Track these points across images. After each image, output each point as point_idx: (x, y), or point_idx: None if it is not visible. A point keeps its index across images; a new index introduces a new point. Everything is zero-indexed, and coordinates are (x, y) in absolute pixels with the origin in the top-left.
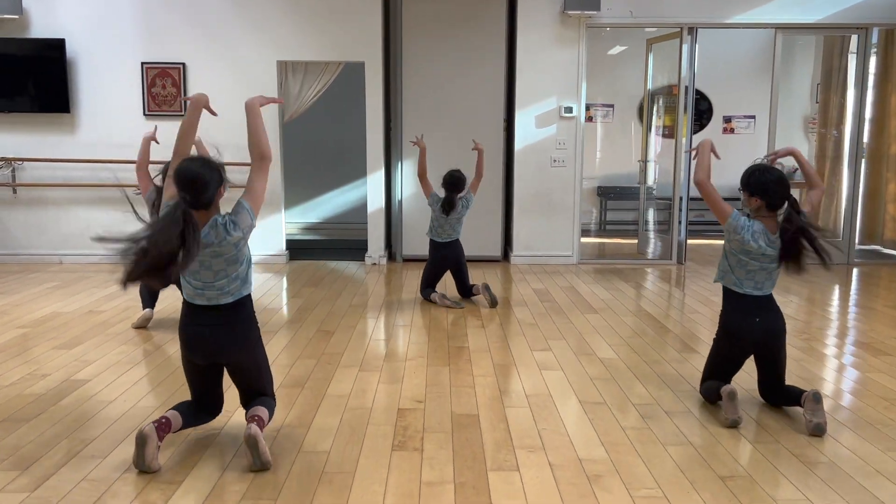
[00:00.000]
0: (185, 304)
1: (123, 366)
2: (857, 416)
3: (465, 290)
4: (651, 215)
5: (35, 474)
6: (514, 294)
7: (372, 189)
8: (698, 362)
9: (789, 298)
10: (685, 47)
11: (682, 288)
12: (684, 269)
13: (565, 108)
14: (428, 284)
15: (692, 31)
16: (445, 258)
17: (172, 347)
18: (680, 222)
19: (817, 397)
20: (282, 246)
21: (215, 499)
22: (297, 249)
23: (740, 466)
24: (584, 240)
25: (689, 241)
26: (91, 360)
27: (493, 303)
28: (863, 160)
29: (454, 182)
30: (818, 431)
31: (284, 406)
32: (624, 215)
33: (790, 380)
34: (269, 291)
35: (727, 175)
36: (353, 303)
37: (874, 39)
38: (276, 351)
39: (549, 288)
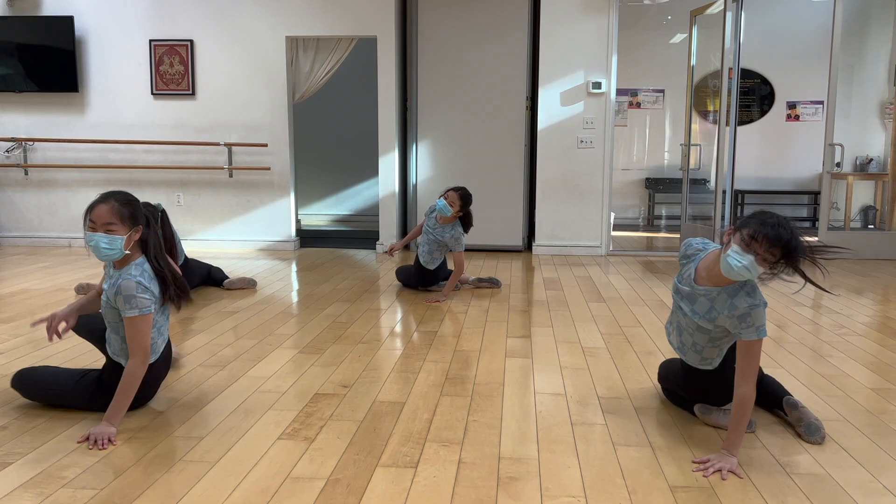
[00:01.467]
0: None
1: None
2: (872, 421)
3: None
4: (708, 209)
5: None
6: (518, 283)
7: (384, 172)
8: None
9: (837, 292)
10: (729, 16)
11: None
12: None
13: (593, 84)
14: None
15: None
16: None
17: None
18: (724, 211)
19: (792, 403)
20: (291, 232)
21: (42, 482)
22: (309, 237)
23: (700, 476)
24: (628, 234)
25: None
26: (18, 334)
27: (494, 283)
28: None
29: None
30: (815, 432)
31: (189, 386)
32: (675, 209)
33: (817, 380)
34: (256, 275)
35: (793, 168)
36: (337, 287)
37: None
38: (221, 331)
39: (562, 276)
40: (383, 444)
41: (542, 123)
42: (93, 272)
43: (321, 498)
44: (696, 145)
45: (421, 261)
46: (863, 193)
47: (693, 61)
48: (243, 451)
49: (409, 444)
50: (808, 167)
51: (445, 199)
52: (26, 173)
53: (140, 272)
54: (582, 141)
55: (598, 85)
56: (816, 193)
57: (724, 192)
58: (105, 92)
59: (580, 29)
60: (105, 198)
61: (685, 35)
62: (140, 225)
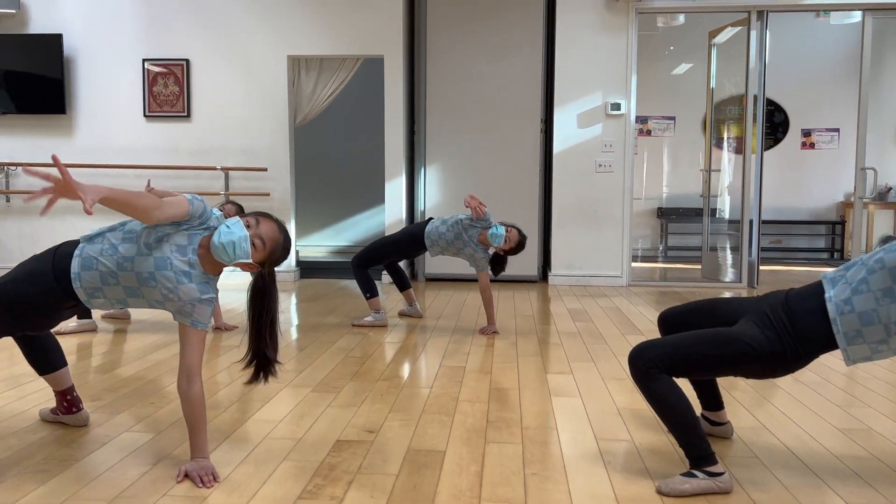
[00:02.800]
0: None
1: (28, 377)
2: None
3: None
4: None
5: None
6: (543, 313)
7: (390, 197)
8: (778, 400)
9: None
10: (753, 36)
11: None
12: (756, 294)
13: (612, 105)
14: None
15: (762, 15)
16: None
17: (105, 359)
18: (751, 242)
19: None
20: (290, 262)
21: None
22: (309, 268)
23: None
24: (643, 265)
25: (763, 268)
26: (3, 367)
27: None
28: None
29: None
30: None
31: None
32: (689, 240)
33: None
34: None
35: (809, 197)
36: (345, 318)
37: None
38: (221, 367)
39: (588, 307)
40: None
41: (557, 146)
42: None
43: None
44: (716, 170)
45: (426, 241)
46: (882, 223)
47: (713, 83)
48: None
49: (464, 498)
50: (824, 196)
51: (508, 232)
52: (8, 200)
53: None
54: (600, 165)
55: (617, 106)
56: (834, 223)
57: (750, 221)
58: (94, 114)
59: (598, 48)
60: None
61: (690, 65)
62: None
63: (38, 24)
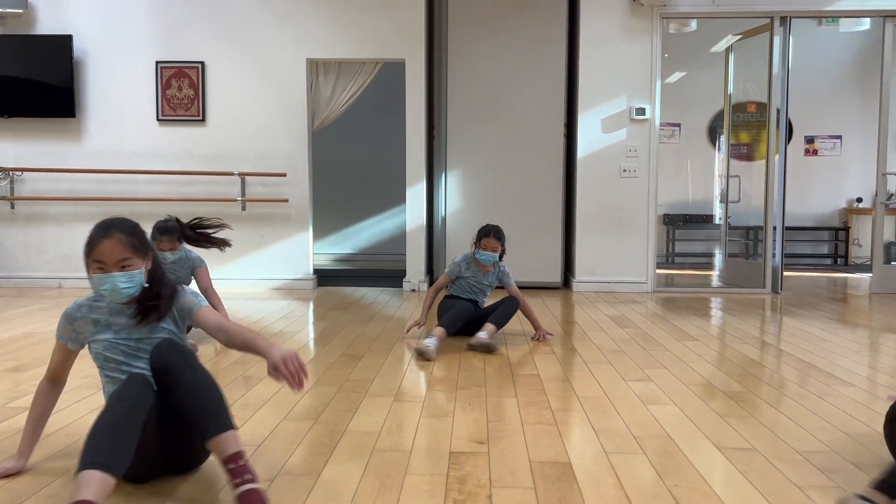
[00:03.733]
0: None
1: (83, 390)
2: None
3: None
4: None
5: None
6: (583, 320)
7: (412, 204)
8: (863, 398)
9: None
10: (777, 42)
11: (792, 315)
12: (782, 299)
13: (637, 110)
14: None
15: (785, 21)
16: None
17: None
18: (775, 249)
19: None
20: (309, 269)
21: None
22: (326, 277)
23: None
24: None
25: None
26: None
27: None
28: None
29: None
30: None
31: (288, 445)
32: (695, 246)
33: None
34: (288, 315)
35: (812, 204)
36: (387, 326)
37: None
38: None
39: (627, 314)
40: None
41: (581, 151)
42: None
43: None
44: (735, 177)
45: (455, 293)
46: (888, 228)
47: (731, 89)
48: None
49: None
50: (828, 203)
51: (485, 248)
52: (13, 207)
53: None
54: (625, 170)
55: (641, 111)
56: (838, 229)
57: (773, 228)
58: (105, 117)
59: (622, 52)
60: (107, 231)
61: (683, 73)
62: (151, 251)
63: (47, 24)
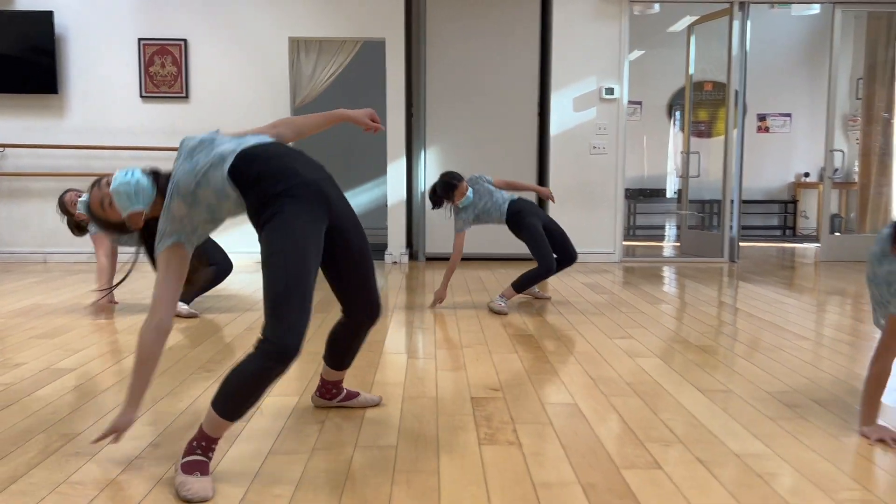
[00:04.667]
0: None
1: (115, 355)
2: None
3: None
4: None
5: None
6: (562, 288)
7: (392, 181)
8: (817, 349)
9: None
10: (736, 26)
11: (750, 281)
12: (739, 267)
13: (606, 90)
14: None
15: (744, 7)
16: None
17: (172, 339)
18: (732, 219)
19: None
20: None
21: (254, 497)
22: None
23: None
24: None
25: None
26: (76, 349)
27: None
28: None
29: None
30: None
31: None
32: (654, 219)
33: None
34: None
35: (763, 178)
36: (382, 294)
37: None
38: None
39: (600, 282)
40: (601, 447)
41: (554, 129)
42: (92, 286)
43: (595, 503)
44: (695, 153)
45: (513, 207)
46: (832, 201)
47: (692, 70)
48: (455, 459)
49: (628, 445)
50: (778, 177)
51: (461, 195)
52: None
53: None
54: (595, 147)
55: (610, 91)
56: (786, 202)
57: (731, 201)
58: (88, 94)
59: (593, 34)
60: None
61: (642, 52)
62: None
63: (28, 0)
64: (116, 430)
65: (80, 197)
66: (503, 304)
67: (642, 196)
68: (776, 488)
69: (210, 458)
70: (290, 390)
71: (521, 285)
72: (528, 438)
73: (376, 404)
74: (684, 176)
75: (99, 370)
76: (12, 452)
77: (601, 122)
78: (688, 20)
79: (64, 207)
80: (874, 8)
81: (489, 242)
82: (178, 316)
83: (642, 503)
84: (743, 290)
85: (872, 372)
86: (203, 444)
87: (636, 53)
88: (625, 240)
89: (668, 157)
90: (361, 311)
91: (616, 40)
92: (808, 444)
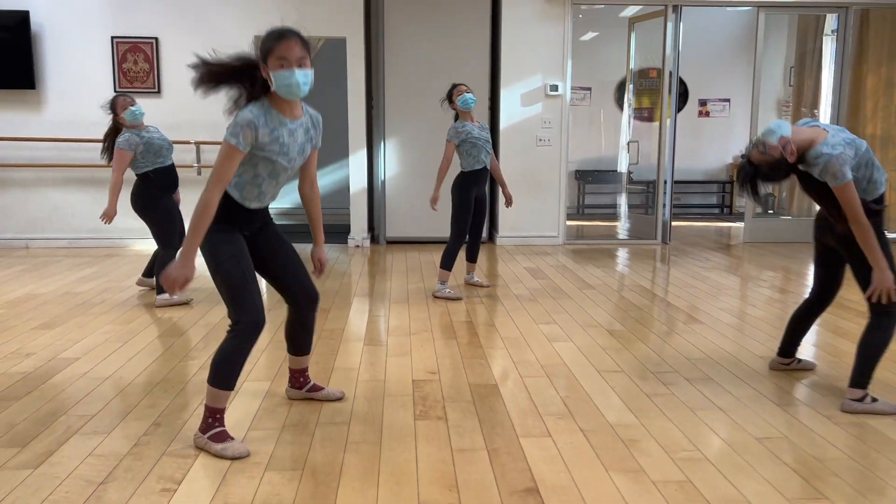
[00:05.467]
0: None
1: (112, 343)
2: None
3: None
4: (639, 197)
5: (35, 451)
6: (506, 273)
7: (354, 169)
8: (708, 333)
9: (765, 275)
10: (669, 26)
11: (675, 265)
12: (669, 249)
13: (551, 87)
14: (462, 233)
15: (677, 9)
16: (480, 195)
17: (162, 326)
18: (664, 203)
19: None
20: None
21: (238, 472)
22: None
23: (773, 427)
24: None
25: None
26: (76, 338)
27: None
28: None
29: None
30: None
31: None
32: (603, 199)
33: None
34: None
35: (704, 160)
36: (343, 282)
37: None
38: (274, 326)
39: (540, 266)
40: (507, 420)
41: (503, 123)
42: (78, 274)
43: (496, 464)
44: (634, 142)
45: (474, 167)
46: None
47: (633, 65)
48: (394, 431)
49: (529, 418)
50: (717, 159)
51: (460, 93)
52: None
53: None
54: (541, 139)
55: (555, 87)
56: (724, 183)
57: (664, 182)
58: (64, 89)
59: (538, 35)
60: (288, 32)
61: (595, 34)
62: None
63: (4, 0)
64: (187, 279)
65: (132, 105)
66: (448, 290)
67: (591, 178)
68: (632, 451)
69: (224, 426)
70: (262, 376)
71: (445, 263)
72: (453, 414)
73: (339, 398)
74: (630, 161)
75: (101, 358)
76: (42, 432)
77: (546, 117)
78: (631, 10)
79: (114, 108)
80: (795, 11)
81: (445, 227)
82: (170, 305)
83: (530, 463)
84: (663, 274)
85: (864, 222)
86: (215, 416)
87: (590, 35)
88: (575, 219)
89: (620, 136)
90: (301, 299)
91: (560, 40)
92: (669, 416)
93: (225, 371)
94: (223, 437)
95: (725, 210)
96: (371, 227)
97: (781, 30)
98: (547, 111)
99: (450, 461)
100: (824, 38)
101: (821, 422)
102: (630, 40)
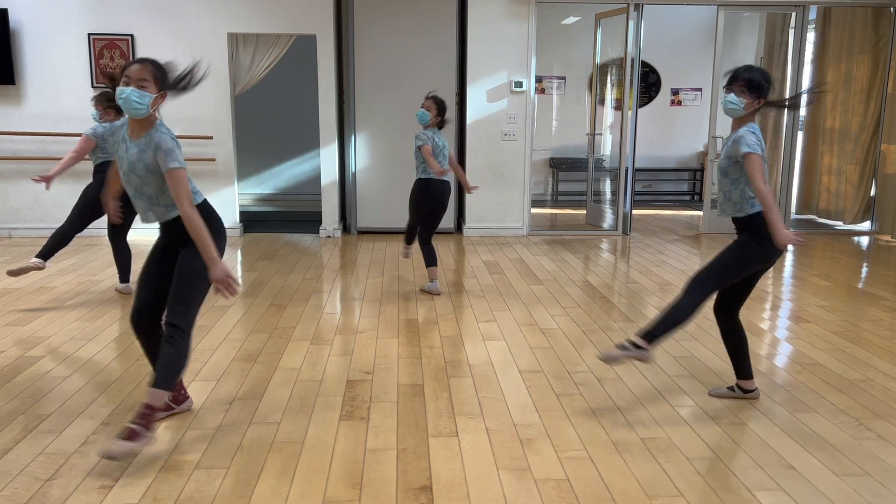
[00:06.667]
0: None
1: (77, 341)
2: (771, 380)
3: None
4: (607, 186)
5: None
6: (465, 266)
7: (325, 162)
8: (633, 330)
9: None
10: (631, 24)
11: (627, 259)
12: (629, 240)
13: (515, 83)
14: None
15: (638, 7)
16: (441, 197)
17: (124, 325)
18: (626, 193)
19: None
20: (235, 219)
21: (171, 469)
22: (251, 222)
23: (660, 428)
24: (535, 210)
25: (636, 212)
26: (44, 336)
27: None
28: (799, 133)
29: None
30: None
31: (237, 379)
32: (576, 186)
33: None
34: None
35: (676, 148)
36: (306, 276)
37: (812, 16)
38: (230, 325)
39: (499, 260)
40: (423, 420)
41: (470, 118)
42: (56, 267)
43: (401, 463)
44: (599, 134)
45: (427, 175)
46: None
47: (599, 59)
48: (318, 431)
49: (443, 418)
50: (688, 147)
51: (426, 106)
52: None
53: (167, 130)
54: (506, 134)
55: (519, 84)
56: (695, 170)
57: (626, 169)
58: (43, 84)
59: (504, 32)
60: (142, 59)
61: (577, 18)
62: (167, 91)
63: None
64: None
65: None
66: (435, 286)
67: (564, 166)
68: (525, 450)
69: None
70: (210, 376)
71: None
72: (376, 414)
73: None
74: (589, 156)
75: (64, 357)
76: (2, 431)
77: (511, 112)
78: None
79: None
80: (754, 10)
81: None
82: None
83: (432, 462)
84: (612, 268)
85: (766, 190)
86: (150, 414)
87: (572, 19)
88: (547, 206)
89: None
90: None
91: (524, 38)
92: (570, 416)
93: (170, 373)
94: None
95: (696, 197)
96: (343, 217)
97: (753, 22)
98: (512, 107)
99: (361, 460)
100: (790, 31)
101: (704, 423)
102: (596, 35)
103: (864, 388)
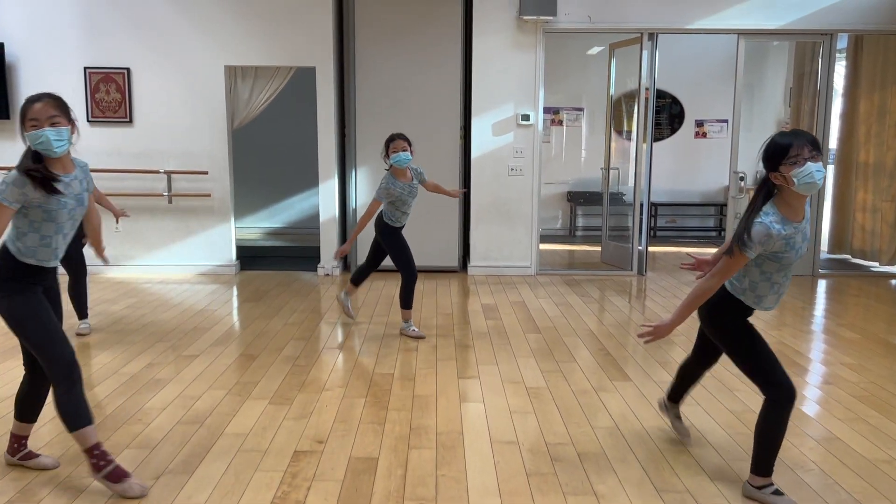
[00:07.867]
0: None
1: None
2: (777, 459)
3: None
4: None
5: None
6: (463, 309)
7: (324, 197)
8: (629, 392)
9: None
10: (645, 53)
11: (632, 302)
12: (644, 281)
13: (522, 116)
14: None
15: (653, 36)
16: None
17: None
18: (641, 230)
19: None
20: (231, 256)
21: None
22: (248, 258)
23: None
24: (550, 247)
25: (658, 249)
26: None
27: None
28: (829, 167)
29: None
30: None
31: (174, 447)
32: (595, 221)
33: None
34: (206, 308)
35: (701, 181)
36: (289, 321)
37: (842, 45)
38: (189, 379)
39: (499, 303)
40: (368, 502)
41: (475, 152)
42: None
43: None
44: (615, 169)
45: (398, 224)
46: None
47: (612, 91)
48: None
49: (392, 499)
50: (714, 181)
51: (395, 151)
52: None
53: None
54: (512, 169)
55: (526, 117)
56: (722, 205)
57: (641, 204)
58: None
59: (510, 64)
60: (42, 96)
61: (602, 47)
62: (74, 121)
63: None
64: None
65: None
66: (414, 329)
67: (583, 199)
68: None
69: (113, 461)
70: (146, 442)
71: (405, 301)
72: (315, 496)
73: (53, 467)
74: (604, 191)
75: None
76: None
77: (518, 146)
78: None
79: None
80: (777, 39)
81: (417, 256)
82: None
83: None
84: (620, 315)
85: (704, 286)
86: (97, 455)
87: (596, 49)
88: (565, 242)
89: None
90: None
91: (532, 69)
92: (536, 501)
93: (77, 413)
94: (122, 473)
95: (723, 233)
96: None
97: (782, 51)
98: (519, 141)
99: None
100: (820, 60)
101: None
102: (610, 66)
103: (888, 471)
